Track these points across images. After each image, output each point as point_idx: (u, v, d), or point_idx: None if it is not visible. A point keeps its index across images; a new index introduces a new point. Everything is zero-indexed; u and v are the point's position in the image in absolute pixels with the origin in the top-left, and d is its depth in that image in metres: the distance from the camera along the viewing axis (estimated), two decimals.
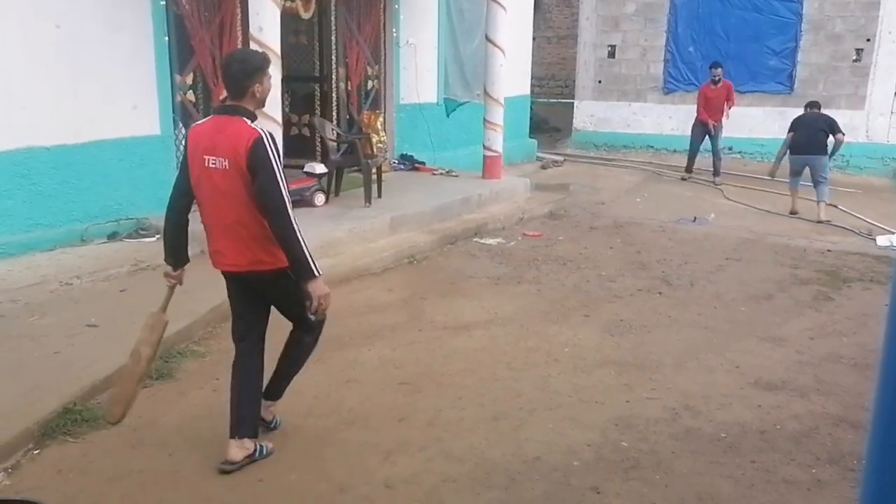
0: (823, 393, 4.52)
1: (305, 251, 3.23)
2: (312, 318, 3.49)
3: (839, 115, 12.28)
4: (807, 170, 9.47)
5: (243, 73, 3.26)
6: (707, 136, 11.50)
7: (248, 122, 3.26)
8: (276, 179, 3.20)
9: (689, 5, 13.10)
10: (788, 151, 9.73)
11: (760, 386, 4.59)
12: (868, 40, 12.22)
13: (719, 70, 11.35)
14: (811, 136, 9.68)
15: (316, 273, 3.25)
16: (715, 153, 11.45)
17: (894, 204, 10.30)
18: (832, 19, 12.40)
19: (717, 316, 5.81)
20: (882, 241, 8.06)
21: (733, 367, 4.85)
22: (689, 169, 11.82)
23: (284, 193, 3.21)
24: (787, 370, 4.83)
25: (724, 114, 11.38)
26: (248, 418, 3.51)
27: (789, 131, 9.90)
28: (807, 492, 3.50)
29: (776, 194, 10.26)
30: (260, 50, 3.27)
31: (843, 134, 9.60)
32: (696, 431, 4.01)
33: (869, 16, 12.16)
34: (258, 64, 3.30)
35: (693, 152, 11.73)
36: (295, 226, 3.22)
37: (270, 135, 3.26)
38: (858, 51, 12.34)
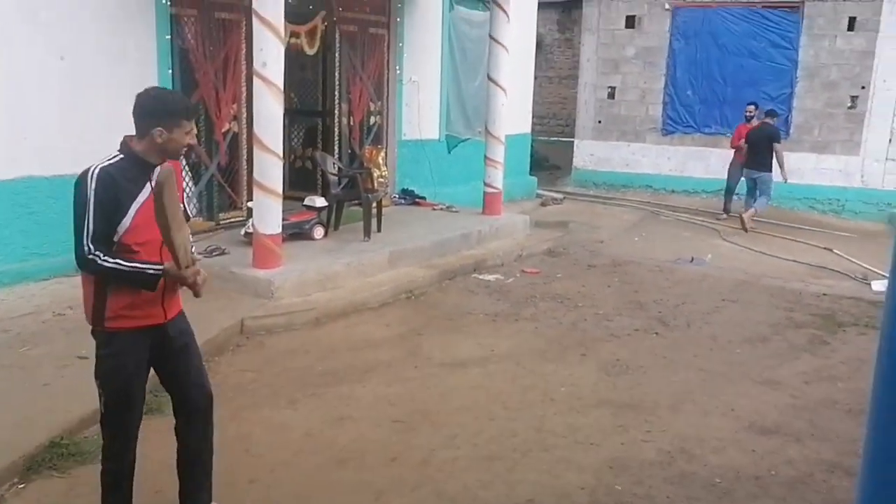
0: (818, 438, 4.49)
1: (130, 272, 2.82)
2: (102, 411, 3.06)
3: (835, 161, 12.59)
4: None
5: (149, 110, 2.95)
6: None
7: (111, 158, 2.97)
8: (80, 224, 2.88)
9: (687, 51, 13.28)
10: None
11: (755, 430, 4.57)
12: (863, 87, 12.36)
13: (751, 107, 11.64)
14: (753, 152, 11.03)
15: (156, 272, 2.85)
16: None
17: (889, 249, 10.31)
18: (827, 67, 12.55)
19: (713, 358, 5.79)
20: (877, 286, 8.06)
21: (728, 410, 4.82)
22: (727, 209, 11.95)
23: (84, 241, 2.85)
24: (781, 414, 4.81)
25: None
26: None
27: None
28: None
29: (773, 237, 10.30)
30: (180, 96, 2.95)
31: (780, 143, 10.95)
32: (690, 476, 3.98)
33: (863, 64, 12.31)
34: (171, 108, 2.95)
35: (730, 190, 11.96)
36: (103, 265, 2.81)
37: (108, 172, 2.97)
38: (853, 98, 12.48)
